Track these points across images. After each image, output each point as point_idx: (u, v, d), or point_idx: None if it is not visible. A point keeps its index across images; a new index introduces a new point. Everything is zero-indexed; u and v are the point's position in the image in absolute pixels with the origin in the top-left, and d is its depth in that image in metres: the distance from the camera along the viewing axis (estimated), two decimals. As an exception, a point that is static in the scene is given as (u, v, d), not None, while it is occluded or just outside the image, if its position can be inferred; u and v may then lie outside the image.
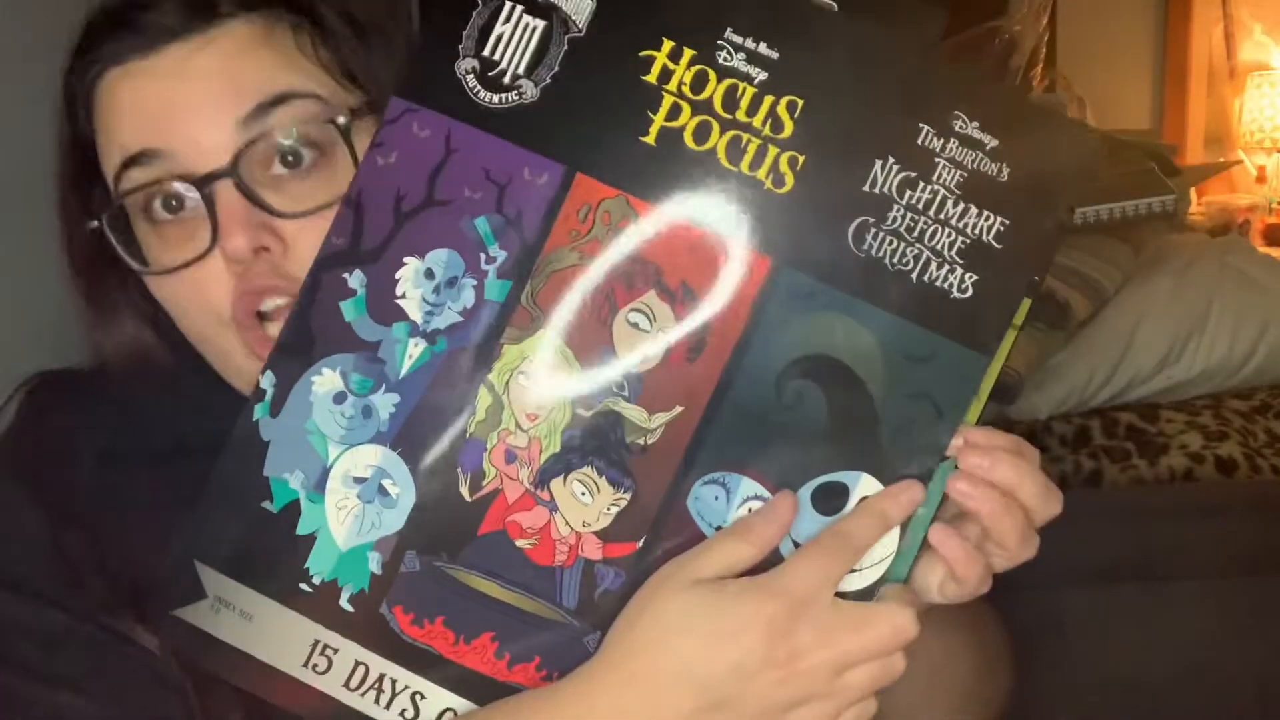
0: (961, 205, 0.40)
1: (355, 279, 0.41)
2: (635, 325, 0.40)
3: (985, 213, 0.40)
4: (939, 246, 0.40)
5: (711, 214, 0.40)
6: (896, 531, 0.40)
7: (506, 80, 0.41)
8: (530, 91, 0.41)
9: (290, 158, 0.44)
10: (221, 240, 0.43)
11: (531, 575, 0.41)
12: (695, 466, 0.40)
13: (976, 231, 0.40)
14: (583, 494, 0.41)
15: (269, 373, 0.42)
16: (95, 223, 0.46)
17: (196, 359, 0.48)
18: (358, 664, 0.41)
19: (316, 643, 0.41)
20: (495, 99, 0.41)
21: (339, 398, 0.41)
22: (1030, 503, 0.40)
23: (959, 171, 0.40)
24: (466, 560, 0.41)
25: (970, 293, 0.40)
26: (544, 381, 0.41)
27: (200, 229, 0.44)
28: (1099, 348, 1.11)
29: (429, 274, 0.41)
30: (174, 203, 0.44)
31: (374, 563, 0.41)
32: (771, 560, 0.39)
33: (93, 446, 0.47)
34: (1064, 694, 0.86)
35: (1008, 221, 0.40)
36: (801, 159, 0.40)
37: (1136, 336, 1.12)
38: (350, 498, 0.41)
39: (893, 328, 0.40)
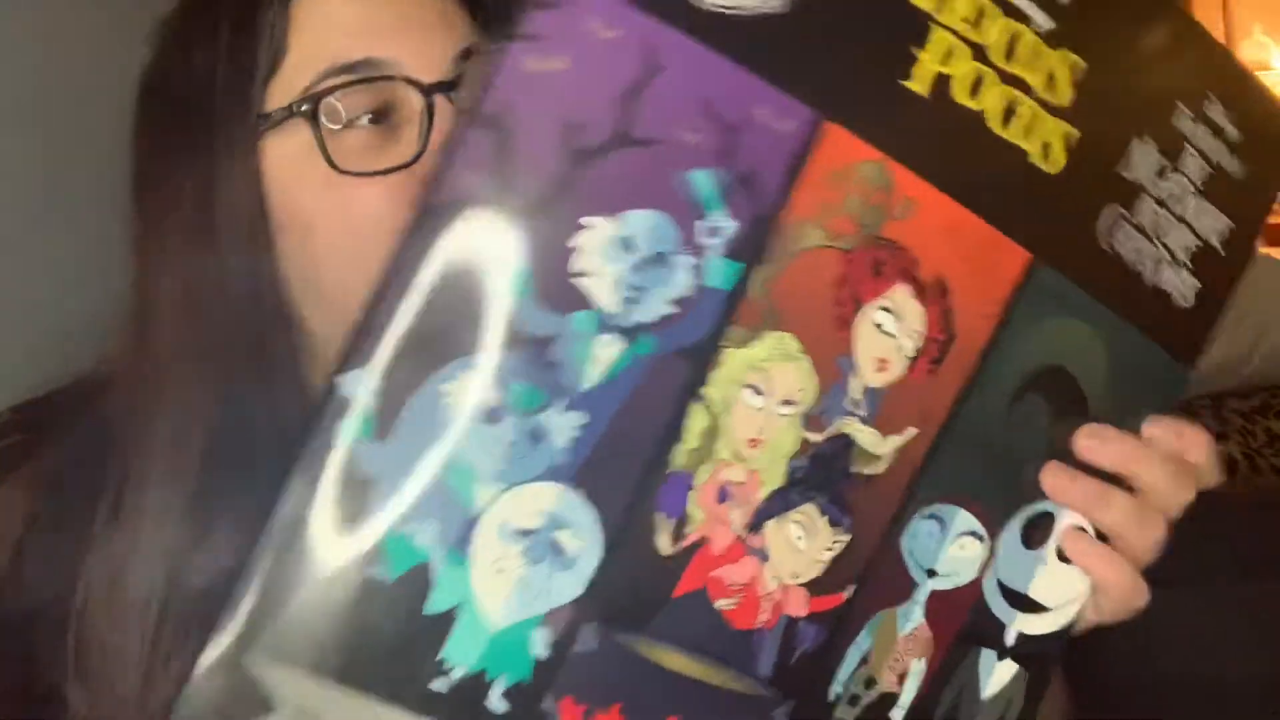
0: (1199, 201, 0.36)
1: (514, 239, 0.28)
2: (879, 327, 0.32)
3: (1219, 213, 0.36)
4: (1174, 246, 0.35)
5: (976, 190, 0.32)
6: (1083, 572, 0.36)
7: None
8: None
9: None
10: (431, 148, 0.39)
11: (728, 642, 0.32)
12: (916, 499, 0.33)
13: (1208, 233, 0.36)
14: (799, 538, 0.32)
15: (356, 372, 0.28)
16: (303, 106, 0.41)
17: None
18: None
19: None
20: (729, 1, 0.29)
21: (493, 415, 0.28)
22: (1147, 485, 0.35)
23: (1204, 164, 0.35)
24: (656, 631, 0.31)
25: (1190, 301, 0.36)
26: (773, 398, 0.31)
27: (393, 141, 0.41)
28: None
29: (627, 244, 0.29)
30: (364, 118, 0.41)
31: (540, 644, 0.29)
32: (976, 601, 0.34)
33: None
34: (1071, 695, 0.88)
35: (1234, 227, 0.36)
36: (1076, 135, 0.33)
37: None
38: (512, 557, 0.29)
39: (1120, 335, 0.35)
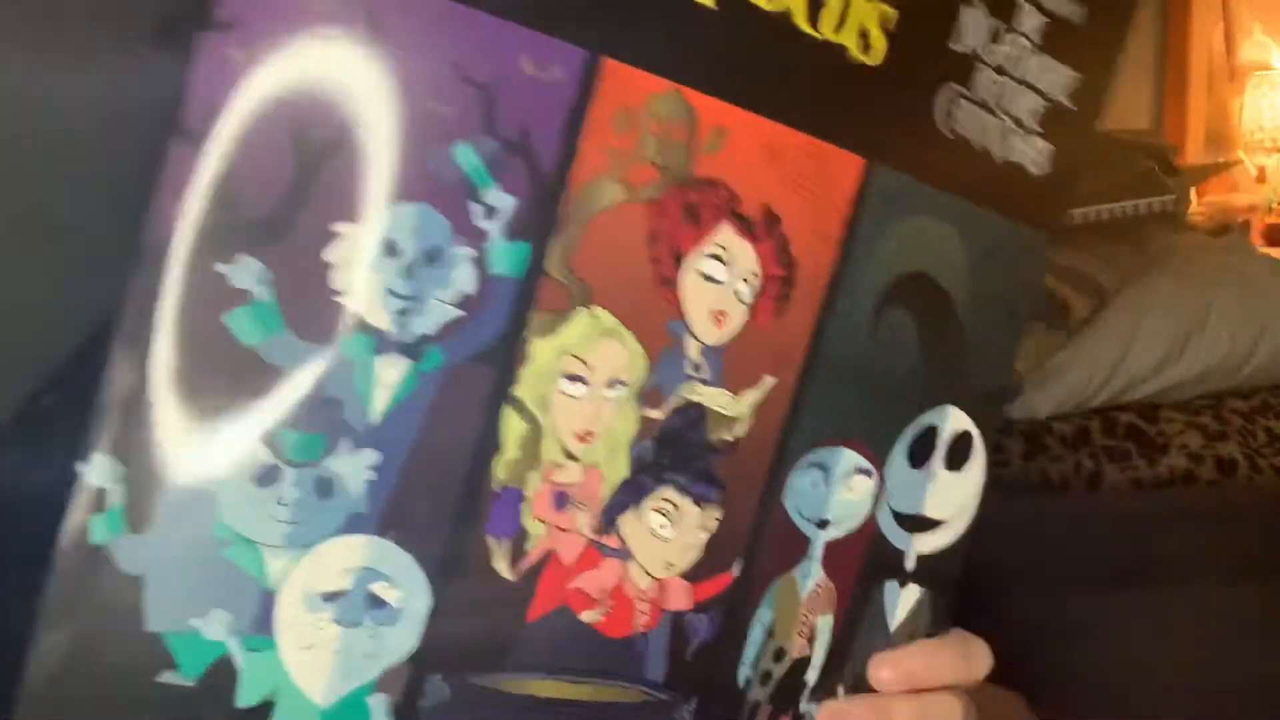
0: (1040, 58, 0.32)
1: (245, 271, 0.24)
2: (710, 277, 0.28)
3: (1064, 68, 0.32)
4: (1019, 113, 0.32)
5: (792, 102, 0.28)
6: None
7: None
8: None
9: None
10: None
11: (606, 654, 0.29)
12: (791, 451, 0.30)
13: (1054, 91, 0.32)
14: (662, 526, 0.29)
15: (100, 456, 0.24)
16: None
17: None
18: None
19: None
20: None
21: (266, 476, 0.24)
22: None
23: (1041, 16, 0.31)
24: (517, 663, 0.27)
25: (1047, 167, 0.33)
26: (597, 382, 0.27)
27: None
28: (1099, 348, 1.09)
29: (390, 249, 0.25)
30: None
31: (380, 711, 0.26)
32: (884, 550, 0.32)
33: None
34: (1066, 698, 0.86)
35: (1081, 76, 0.32)
36: (894, 15, 0.29)
37: (1136, 336, 1.10)
38: (324, 625, 0.25)
39: (974, 221, 0.32)
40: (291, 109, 0.24)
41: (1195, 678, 0.88)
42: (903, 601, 0.34)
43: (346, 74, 0.24)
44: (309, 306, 0.24)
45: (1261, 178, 2.39)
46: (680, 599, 0.29)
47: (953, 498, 0.34)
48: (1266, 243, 2.17)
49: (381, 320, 0.25)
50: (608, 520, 0.28)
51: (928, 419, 0.33)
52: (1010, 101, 0.31)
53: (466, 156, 0.25)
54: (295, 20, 0.23)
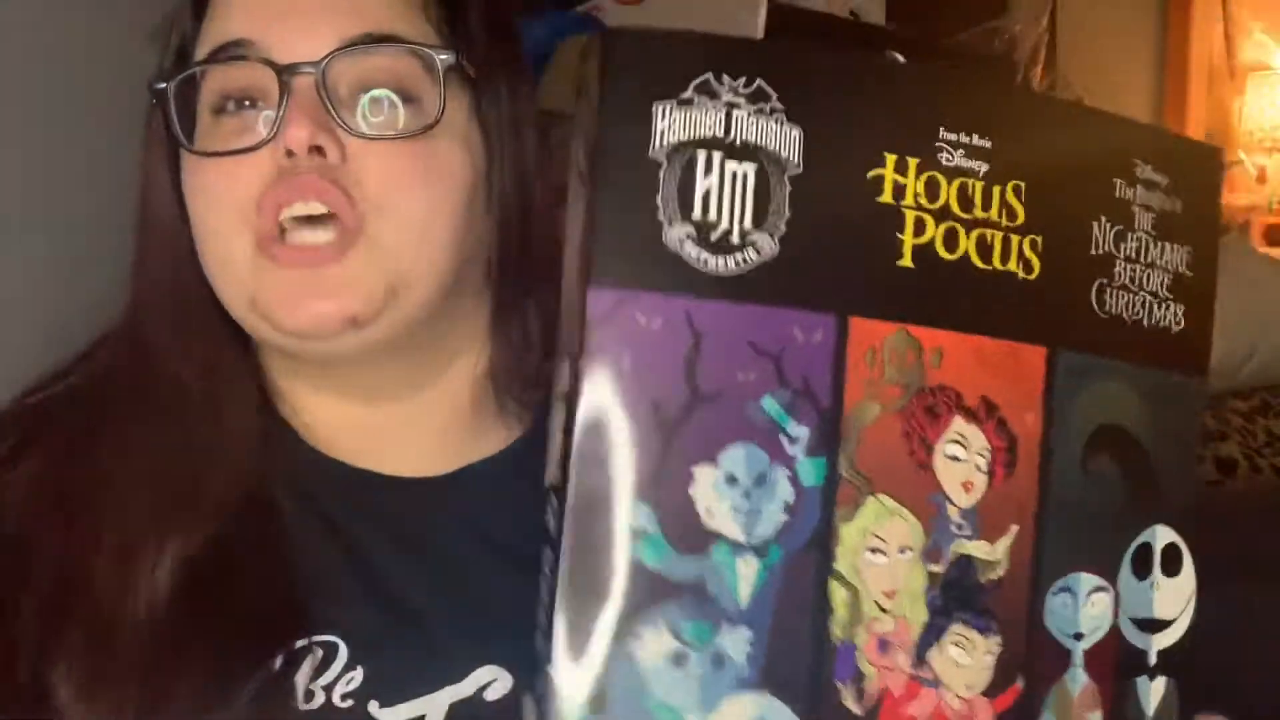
0: (1159, 245, 0.41)
1: (641, 515, 0.34)
2: (954, 458, 0.37)
3: (1176, 246, 0.41)
4: (1154, 288, 0.41)
5: (984, 319, 0.38)
6: None
7: (735, 239, 0.35)
8: (768, 246, 0.36)
9: (378, 98, 0.45)
10: (284, 128, 0.43)
11: None
12: (1042, 581, 0.39)
13: (1176, 265, 0.42)
14: (960, 656, 0.37)
15: (560, 672, 0.33)
16: (161, 85, 0.45)
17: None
18: None
19: None
20: (729, 262, 0.35)
21: (679, 659, 0.34)
22: None
23: (1150, 214, 0.41)
24: None
25: (1183, 323, 0.42)
26: (891, 551, 0.36)
27: (262, 125, 0.44)
28: None
29: (731, 480, 0.35)
30: (246, 102, 0.44)
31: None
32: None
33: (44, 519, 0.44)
34: None
35: (1193, 250, 0.42)
36: (1040, 240, 0.39)
37: None
38: (731, 769, 0.34)
39: (1141, 377, 0.41)
40: (651, 392, 0.34)
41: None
42: (1154, 691, 0.41)
43: (680, 362, 0.35)
44: (684, 530, 0.34)
45: (1261, 178, 2.41)
46: (985, 713, 0.37)
47: (1175, 598, 0.41)
48: (1266, 243, 2.19)
49: (735, 531, 0.35)
50: (919, 657, 0.36)
51: (1142, 538, 0.41)
52: (1145, 281, 0.41)
53: (771, 405, 0.35)
54: (640, 345, 0.34)
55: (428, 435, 0.50)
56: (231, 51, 0.44)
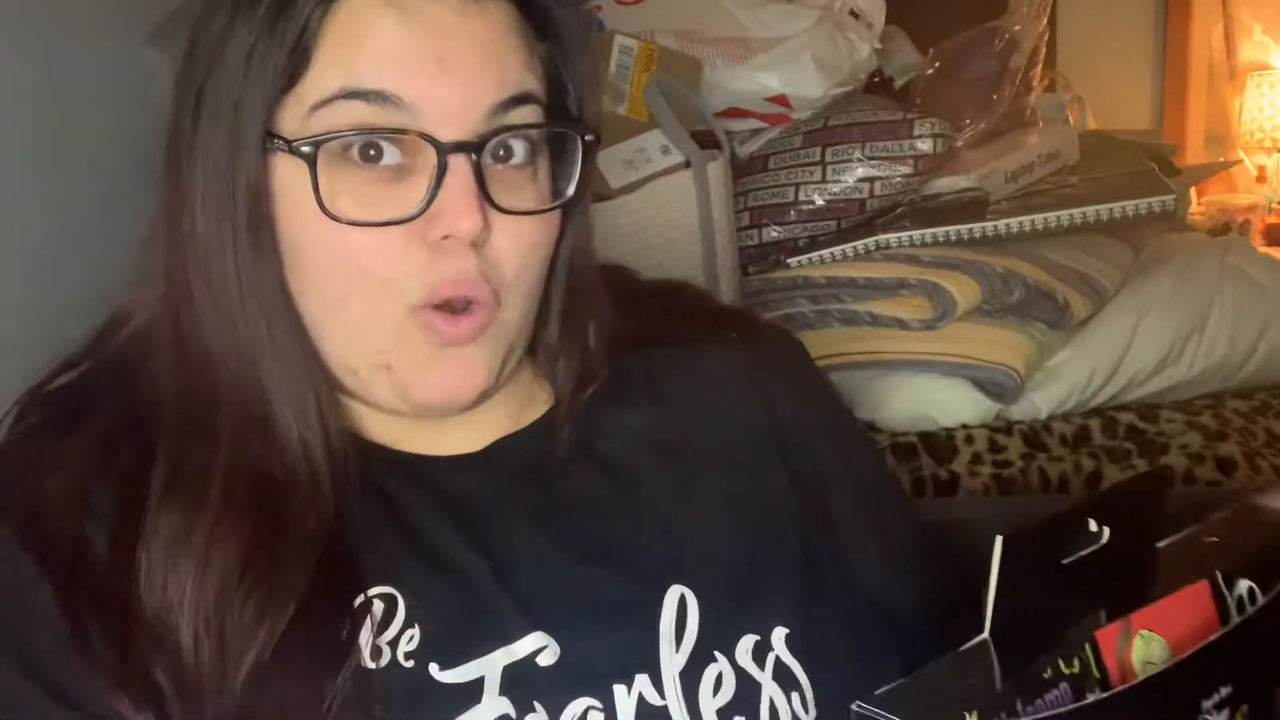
0: None
1: None
2: None
3: None
4: None
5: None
6: None
7: None
8: None
9: (509, 154, 0.44)
10: (452, 216, 0.42)
11: None
12: None
13: None
14: None
15: None
16: (306, 148, 0.42)
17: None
18: None
19: None
20: None
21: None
22: None
23: None
24: None
25: None
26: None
27: (400, 189, 0.42)
28: (1099, 348, 1.10)
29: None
30: (373, 151, 0.42)
31: None
32: None
33: (107, 480, 0.44)
34: None
35: None
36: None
37: (1136, 336, 1.12)
38: None
39: None
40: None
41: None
42: None
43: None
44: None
45: (1261, 178, 2.41)
46: None
47: None
48: (1266, 243, 2.17)
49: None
50: None
51: None
52: None
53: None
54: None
55: (464, 421, 0.50)
56: (371, 102, 0.41)
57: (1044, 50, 1.37)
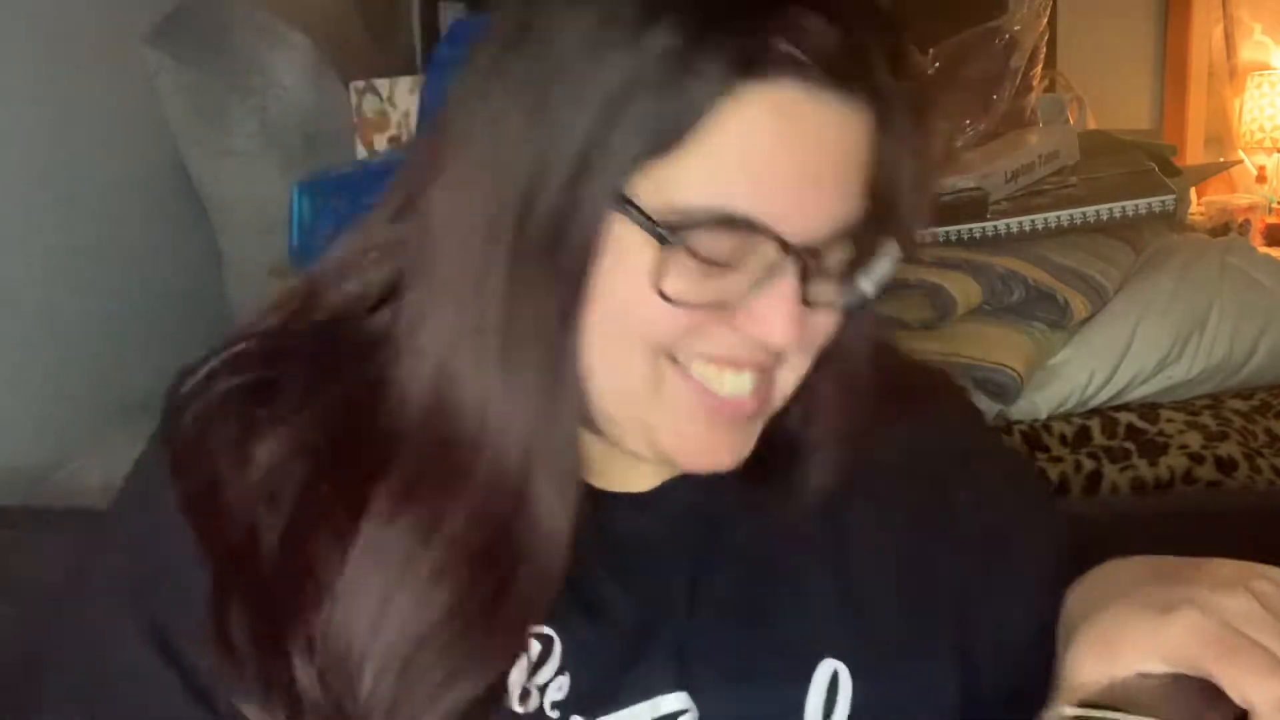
0: None
1: None
2: None
3: None
4: None
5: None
6: None
7: None
8: None
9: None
10: (769, 324, 0.40)
11: None
12: None
13: None
14: None
15: None
16: (663, 235, 0.39)
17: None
18: None
19: None
20: None
21: None
22: None
23: None
24: None
25: None
26: None
27: (726, 271, 0.40)
28: (1099, 348, 1.09)
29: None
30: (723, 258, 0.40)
31: None
32: None
33: (304, 470, 0.41)
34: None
35: None
36: None
37: (1136, 336, 1.10)
38: None
39: None
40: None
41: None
42: None
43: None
44: None
45: (1261, 178, 2.42)
46: None
47: None
48: (1266, 243, 2.18)
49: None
50: None
51: None
52: None
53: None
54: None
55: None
56: (740, 229, 0.39)
57: (1044, 50, 1.37)
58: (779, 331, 0.40)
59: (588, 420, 0.43)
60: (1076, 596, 0.45)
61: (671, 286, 0.39)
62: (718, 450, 0.43)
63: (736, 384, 0.41)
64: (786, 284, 0.39)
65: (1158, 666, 0.37)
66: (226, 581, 0.40)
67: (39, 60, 0.99)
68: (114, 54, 1.09)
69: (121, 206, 1.10)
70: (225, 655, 0.39)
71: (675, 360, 0.41)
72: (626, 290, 0.40)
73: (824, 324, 0.43)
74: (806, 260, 0.40)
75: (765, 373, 0.42)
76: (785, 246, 0.39)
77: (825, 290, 0.42)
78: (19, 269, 0.94)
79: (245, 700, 0.40)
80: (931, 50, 1.33)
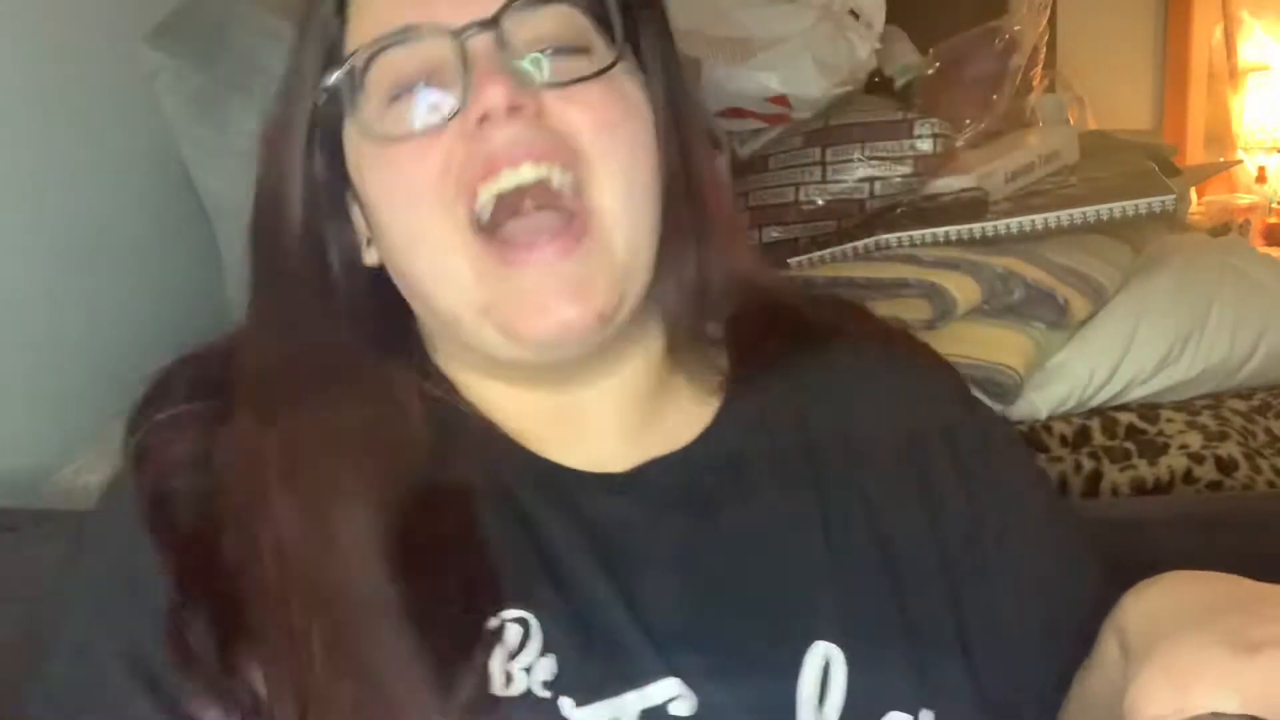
0: None
1: None
2: None
3: None
4: None
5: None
6: None
7: None
8: None
9: (561, 49, 0.43)
10: (475, 92, 0.41)
11: None
12: None
13: None
14: None
15: None
16: (329, 78, 0.43)
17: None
18: None
19: None
20: None
21: None
22: None
23: None
24: None
25: None
26: None
27: (443, 100, 0.42)
28: (1099, 348, 1.09)
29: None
30: (420, 83, 0.42)
31: None
32: None
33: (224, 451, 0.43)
34: None
35: None
36: None
37: (1136, 336, 1.11)
38: None
39: None
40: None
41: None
42: None
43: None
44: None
45: (1261, 178, 2.42)
46: None
47: None
48: (1266, 243, 2.21)
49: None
50: None
51: None
52: None
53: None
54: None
55: (609, 426, 0.48)
56: (399, 39, 0.42)
57: (1044, 50, 1.38)
58: (484, 89, 0.40)
59: (451, 335, 0.45)
60: (1139, 611, 0.42)
61: (387, 128, 0.42)
62: (556, 306, 0.42)
63: (533, 220, 0.42)
64: (480, 63, 0.41)
65: (1234, 706, 0.36)
66: (185, 593, 0.41)
67: (39, 60, 0.99)
68: (114, 54, 1.09)
69: (121, 206, 1.10)
70: (184, 664, 0.40)
71: (480, 227, 0.42)
72: (366, 165, 0.44)
73: (607, 106, 0.43)
74: (487, 28, 0.41)
75: (563, 170, 0.42)
76: (441, 27, 0.41)
77: (572, 71, 0.43)
78: (19, 269, 0.94)
79: (205, 709, 0.40)
80: (931, 50, 1.33)
